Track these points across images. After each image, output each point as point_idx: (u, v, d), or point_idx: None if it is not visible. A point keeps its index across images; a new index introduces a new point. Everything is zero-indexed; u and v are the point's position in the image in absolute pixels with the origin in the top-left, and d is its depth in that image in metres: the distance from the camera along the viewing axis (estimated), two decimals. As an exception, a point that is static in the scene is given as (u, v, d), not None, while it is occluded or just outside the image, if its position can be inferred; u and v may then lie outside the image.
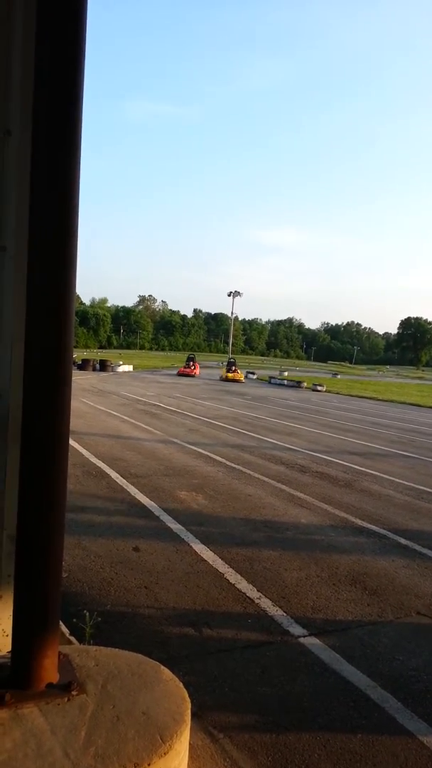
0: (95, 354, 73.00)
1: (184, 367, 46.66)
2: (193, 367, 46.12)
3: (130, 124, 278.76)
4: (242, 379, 43.17)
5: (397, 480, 9.78)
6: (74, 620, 3.57)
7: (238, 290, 78.44)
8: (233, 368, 44.55)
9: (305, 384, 43.24)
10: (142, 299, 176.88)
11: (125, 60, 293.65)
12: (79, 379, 32.07)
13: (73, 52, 2.32)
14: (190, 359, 48.16)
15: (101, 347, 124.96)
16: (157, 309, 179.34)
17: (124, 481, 8.10)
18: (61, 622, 3.54)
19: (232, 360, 48.15)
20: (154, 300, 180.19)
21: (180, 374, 44.45)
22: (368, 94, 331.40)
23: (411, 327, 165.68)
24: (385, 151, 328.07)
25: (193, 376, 44.47)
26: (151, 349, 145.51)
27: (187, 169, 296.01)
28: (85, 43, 2.34)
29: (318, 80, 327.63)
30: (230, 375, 42.97)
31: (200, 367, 50.30)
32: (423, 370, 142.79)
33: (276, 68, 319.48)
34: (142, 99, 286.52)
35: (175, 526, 6.24)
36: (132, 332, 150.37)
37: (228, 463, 10.07)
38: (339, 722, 3.06)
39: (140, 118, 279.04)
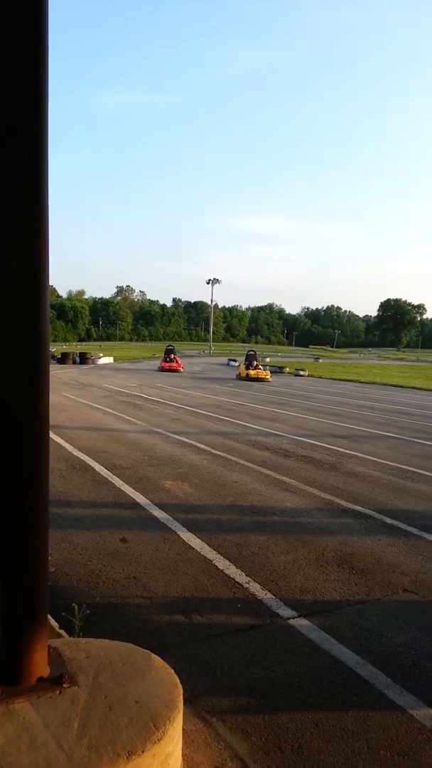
0: (75, 347, 72.42)
1: (166, 361, 38.59)
2: (174, 361, 38.31)
3: (105, 113, 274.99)
4: (269, 377, 31.96)
5: (381, 461, 9.88)
6: (63, 614, 3.56)
7: (217, 278, 78.07)
8: (254, 363, 33.35)
9: (287, 369, 43.41)
10: (120, 290, 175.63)
11: (98, 50, 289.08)
12: (59, 372, 31.82)
13: (36, 40, 2.27)
14: (169, 351, 40.03)
15: (80, 340, 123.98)
16: (136, 299, 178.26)
17: (109, 473, 8.08)
18: (49, 616, 3.53)
19: (252, 352, 35.63)
20: (133, 290, 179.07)
21: (163, 369, 36.96)
22: (345, 81, 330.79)
23: (391, 309, 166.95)
24: (361, 137, 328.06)
25: (178, 371, 36.68)
26: (131, 340, 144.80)
27: (165, 158, 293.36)
28: (47, 31, 2.28)
29: (296, 66, 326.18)
30: (252, 372, 31.78)
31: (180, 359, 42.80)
32: (404, 352, 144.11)
33: (254, 55, 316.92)
34: (118, 88, 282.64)
35: (161, 515, 6.24)
36: (111, 324, 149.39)
37: (213, 450, 10.09)
38: (330, 701, 3.10)
39: (115, 108, 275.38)
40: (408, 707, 3.07)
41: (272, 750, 2.71)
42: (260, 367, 33.52)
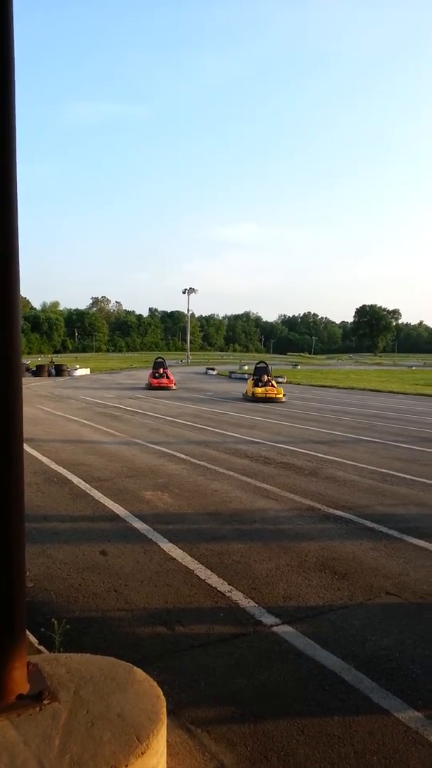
0: (50, 359, 71.77)
1: (155, 377, 31.22)
2: (165, 376, 31.23)
3: (77, 124, 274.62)
4: (282, 396, 23.60)
5: (360, 465, 9.94)
6: (42, 629, 3.50)
7: (192, 287, 78.29)
8: (266, 378, 24.82)
9: (265, 377, 43.52)
10: (96, 301, 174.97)
11: (73, 62, 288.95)
12: (34, 385, 31.51)
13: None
14: (158, 364, 32.48)
15: (56, 352, 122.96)
16: (112, 310, 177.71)
17: (87, 485, 7.99)
18: (28, 632, 3.47)
19: (262, 365, 26.87)
20: (108, 301, 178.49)
21: (152, 387, 30.05)
22: (316, 87, 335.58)
23: (366, 314, 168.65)
24: (332, 143, 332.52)
25: (169, 388, 30.03)
26: (107, 351, 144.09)
27: (138, 168, 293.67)
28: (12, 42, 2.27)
29: (266, 73, 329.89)
30: (259, 391, 23.65)
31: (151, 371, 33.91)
32: (380, 356, 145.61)
33: (226, 63, 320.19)
34: (90, 99, 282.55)
35: (141, 526, 6.18)
36: (87, 335, 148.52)
37: (192, 460, 10.05)
38: (315, 707, 3.09)
39: (87, 119, 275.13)
40: (393, 710, 3.07)
41: (258, 759, 2.68)
42: (273, 383, 24.93)
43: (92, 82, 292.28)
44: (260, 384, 24.28)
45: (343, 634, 3.91)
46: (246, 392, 25.14)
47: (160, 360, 33.41)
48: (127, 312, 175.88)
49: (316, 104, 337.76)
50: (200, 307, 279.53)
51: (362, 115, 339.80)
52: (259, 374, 25.37)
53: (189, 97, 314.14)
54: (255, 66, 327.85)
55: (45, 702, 2.43)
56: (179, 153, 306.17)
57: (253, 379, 25.30)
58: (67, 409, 18.61)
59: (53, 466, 9.24)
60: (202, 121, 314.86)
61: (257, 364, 27.53)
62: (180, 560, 5.21)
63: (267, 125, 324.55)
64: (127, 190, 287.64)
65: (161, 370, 31.60)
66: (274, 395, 23.58)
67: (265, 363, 27.26)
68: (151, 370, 32.64)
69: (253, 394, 23.76)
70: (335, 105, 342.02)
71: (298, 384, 38.35)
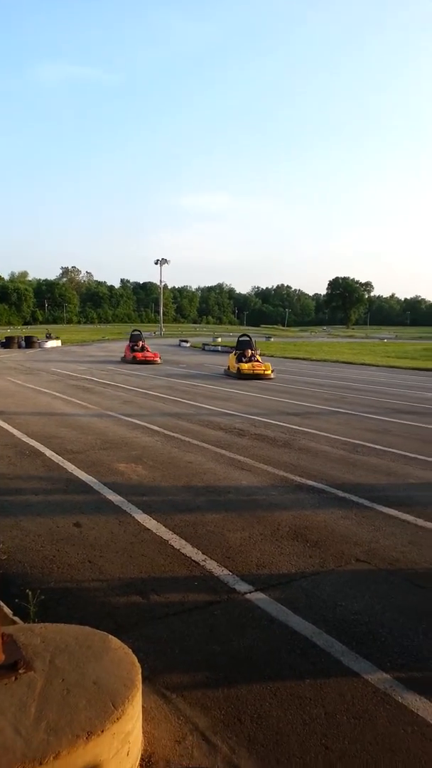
0: (20, 331, 70.53)
1: (134, 350, 28.95)
2: (146, 349, 29.25)
3: (45, 88, 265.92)
4: (270, 372, 21.25)
5: (333, 436, 10.07)
6: (17, 600, 3.49)
7: (165, 258, 77.29)
8: (249, 353, 22.44)
9: (239, 349, 43.57)
10: (66, 271, 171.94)
11: (37, 20, 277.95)
12: (4, 357, 31.04)
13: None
14: (135, 337, 30.53)
15: (26, 323, 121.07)
16: (82, 281, 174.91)
17: (60, 458, 7.94)
18: (3, 604, 3.47)
19: (245, 338, 24.21)
20: (78, 271, 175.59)
21: (136, 360, 27.72)
22: (286, 56, 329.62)
23: (339, 287, 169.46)
24: (305, 111, 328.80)
25: (154, 362, 27.87)
26: (79, 322, 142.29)
27: (109, 136, 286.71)
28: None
29: (237, 42, 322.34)
30: (245, 367, 21.16)
31: (124, 343, 33.03)
32: (353, 329, 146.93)
33: (197, 30, 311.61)
34: (58, 61, 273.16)
35: (116, 498, 6.19)
36: (58, 306, 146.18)
37: (166, 432, 10.05)
38: (287, 670, 3.16)
39: (56, 83, 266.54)
40: (363, 672, 3.16)
41: (232, 722, 2.74)
42: (258, 358, 22.47)
43: (58, 43, 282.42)
44: (244, 359, 21.80)
45: (314, 600, 4.00)
46: (228, 368, 22.45)
47: (137, 332, 31.61)
48: (99, 283, 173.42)
49: (289, 71, 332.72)
50: (173, 278, 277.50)
51: (335, 83, 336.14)
52: (242, 348, 22.58)
53: (157, 63, 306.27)
54: (225, 32, 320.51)
55: (20, 671, 2.44)
56: (149, 121, 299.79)
57: (235, 354, 22.54)
58: (38, 382, 18.40)
59: (25, 438, 9.15)
60: (172, 88, 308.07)
61: (240, 336, 24.41)
62: (154, 531, 5.25)
63: (238, 93, 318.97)
64: (97, 159, 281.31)
65: (140, 344, 29.60)
66: (262, 371, 21.12)
67: (249, 336, 24.33)
68: (128, 343, 30.48)
69: (238, 370, 21.10)
70: (308, 73, 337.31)
71: (272, 356, 38.46)
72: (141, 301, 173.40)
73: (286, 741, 2.62)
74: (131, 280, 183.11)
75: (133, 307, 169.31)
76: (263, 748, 2.58)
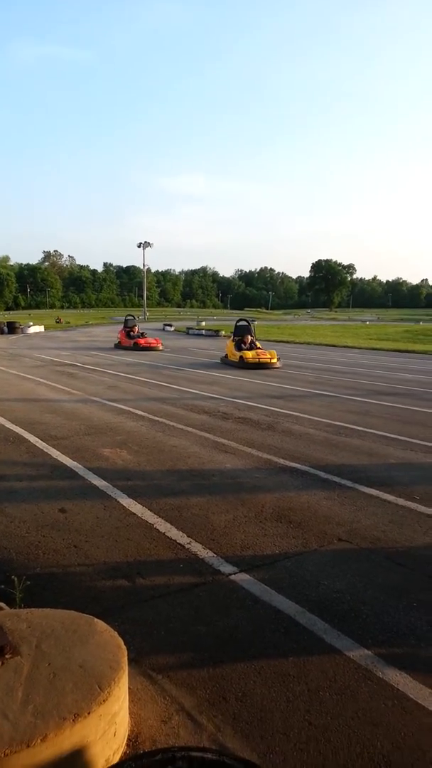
0: (2, 316, 69.72)
1: (129, 336, 27.66)
2: (142, 335, 27.91)
3: (22, 67, 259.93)
4: (276, 362, 19.04)
5: (316, 419, 10.15)
6: (3, 587, 3.51)
7: (148, 241, 76.75)
8: (249, 339, 20.07)
9: (223, 332, 43.51)
10: (48, 255, 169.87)
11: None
12: (-12, 343, 30.67)
13: None
14: (131, 322, 29.15)
15: (8, 309, 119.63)
16: (65, 265, 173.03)
17: (45, 444, 7.92)
18: (-12, 590, 3.48)
19: (243, 323, 21.26)
20: (61, 256, 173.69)
21: (137, 347, 26.30)
22: (265, 38, 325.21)
23: (322, 269, 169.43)
24: (286, 92, 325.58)
25: (156, 349, 26.60)
26: (62, 307, 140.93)
27: (88, 117, 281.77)
28: None
29: (219, 22, 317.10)
30: (250, 355, 19.02)
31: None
32: (336, 312, 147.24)
33: (177, 9, 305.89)
34: (34, 40, 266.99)
35: (101, 483, 6.20)
36: (40, 291, 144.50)
37: (151, 416, 10.06)
38: (272, 649, 3.22)
39: (34, 62, 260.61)
40: (345, 649, 3.23)
41: (217, 700, 2.80)
42: (259, 345, 20.28)
43: (32, 21, 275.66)
44: (243, 346, 19.70)
45: (298, 579, 4.06)
46: (227, 356, 20.35)
47: (131, 317, 30.51)
48: (81, 267, 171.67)
49: (269, 51, 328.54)
50: (156, 262, 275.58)
51: (315, 63, 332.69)
52: (241, 334, 20.31)
53: (141, 43, 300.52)
54: (204, 11, 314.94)
55: (7, 656, 2.46)
56: (129, 103, 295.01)
57: (233, 340, 20.32)
58: (21, 367, 18.26)
59: (8, 425, 9.10)
60: (151, 68, 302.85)
61: (237, 321, 21.73)
62: (140, 515, 5.28)
63: (216, 74, 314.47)
64: (79, 142, 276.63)
65: (136, 329, 28.55)
66: (268, 360, 18.93)
67: (247, 321, 21.93)
68: (122, 329, 29.17)
69: (241, 359, 18.99)
70: (288, 53, 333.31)
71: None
72: (124, 285, 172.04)
73: (270, 718, 2.68)
74: (114, 264, 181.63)
75: (116, 292, 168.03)
76: (248, 726, 2.64)
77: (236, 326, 21.07)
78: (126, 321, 29.84)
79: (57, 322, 47.59)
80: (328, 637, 3.35)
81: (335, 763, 2.42)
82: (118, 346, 28.12)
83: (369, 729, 2.62)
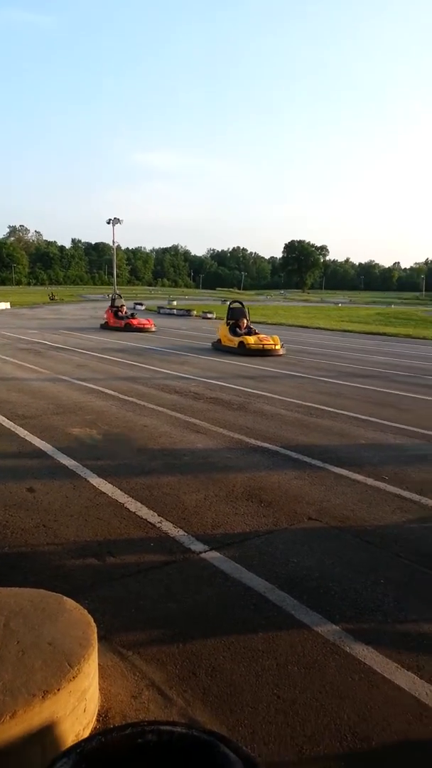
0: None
1: (119, 316, 26.09)
2: (129, 315, 26.29)
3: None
4: (279, 348, 17.39)
5: (287, 399, 10.21)
6: (-30, 566, 3.46)
7: (117, 217, 75.30)
8: (245, 323, 18.56)
9: (195, 312, 43.40)
10: (13, 230, 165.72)
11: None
12: None
13: None
14: (116, 304, 27.08)
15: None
16: (31, 240, 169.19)
17: (12, 423, 7.80)
18: None
19: (237, 305, 19.83)
20: (27, 231, 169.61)
21: (130, 328, 24.81)
22: (238, 13, 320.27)
23: (295, 250, 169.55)
24: (259, 69, 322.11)
25: (149, 330, 25.14)
26: (29, 284, 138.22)
27: (56, 87, 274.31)
28: None
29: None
30: (251, 341, 17.37)
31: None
32: (308, 293, 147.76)
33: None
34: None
35: (70, 462, 6.14)
36: (5, 267, 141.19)
37: (121, 396, 9.98)
38: (241, 625, 3.26)
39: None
40: (313, 625, 3.28)
41: (187, 676, 2.82)
42: (256, 330, 18.63)
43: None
44: (239, 330, 18.09)
45: (268, 557, 4.10)
46: (220, 340, 18.64)
47: (117, 295, 28.78)
48: (48, 243, 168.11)
49: (242, 27, 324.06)
50: (126, 239, 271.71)
51: (289, 41, 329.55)
52: (236, 317, 18.65)
53: (110, 10, 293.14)
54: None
55: (-26, 635, 2.43)
56: (95, 74, 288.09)
57: (227, 324, 18.67)
58: (-12, 345, 17.90)
59: (-24, 403, 8.93)
60: (118, 37, 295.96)
61: (230, 303, 20.05)
62: (110, 494, 5.25)
63: (190, 47, 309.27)
64: (44, 112, 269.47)
65: (124, 308, 26.70)
66: (272, 346, 17.32)
67: (241, 303, 20.09)
68: (109, 308, 27.23)
69: (241, 344, 17.31)
70: (261, 29, 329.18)
71: (227, 320, 38.44)
72: (93, 263, 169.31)
73: (240, 692, 2.72)
74: (83, 241, 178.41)
75: (85, 269, 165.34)
76: (217, 700, 2.66)
77: (230, 309, 19.48)
78: (113, 300, 28.01)
79: (51, 299, 46.95)
80: (297, 613, 3.40)
81: (302, 734, 2.47)
82: (105, 327, 26.34)
83: (336, 702, 2.67)
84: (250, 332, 18.15)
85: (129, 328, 24.96)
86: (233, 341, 17.89)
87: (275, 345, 17.43)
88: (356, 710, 2.62)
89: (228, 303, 20.20)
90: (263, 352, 17.14)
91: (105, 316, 27.56)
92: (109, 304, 28.12)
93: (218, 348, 18.52)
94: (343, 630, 3.24)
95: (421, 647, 3.10)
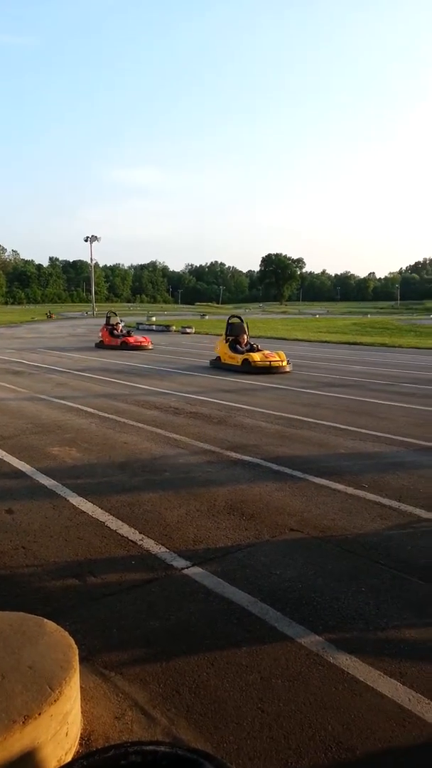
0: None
1: (114, 334, 25.29)
2: (129, 334, 25.47)
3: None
4: (285, 365, 16.50)
5: (267, 411, 10.25)
6: None
7: (95, 235, 75.68)
8: (245, 338, 17.78)
9: (174, 327, 43.43)
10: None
11: None
12: None
13: None
14: (111, 322, 26.32)
15: None
16: (8, 259, 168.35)
17: (-9, 443, 7.72)
18: None
19: (237, 320, 18.54)
20: (4, 250, 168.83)
21: (127, 347, 24.08)
22: (207, 24, 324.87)
23: (272, 263, 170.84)
24: (231, 79, 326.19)
25: (146, 348, 24.50)
26: (6, 303, 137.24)
27: (32, 106, 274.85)
28: None
29: (158, 8, 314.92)
30: (257, 357, 16.38)
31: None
32: (286, 305, 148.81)
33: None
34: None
35: (49, 482, 6.09)
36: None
37: (100, 413, 9.94)
38: (224, 640, 3.24)
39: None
40: (296, 636, 3.28)
41: (170, 694, 2.80)
42: (258, 346, 17.50)
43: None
44: (240, 347, 17.19)
45: (250, 570, 4.10)
46: (220, 358, 17.66)
47: (112, 313, 27.70)
48: (26, 261, 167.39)
49: (211, 41, 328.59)
50: (104, 256, 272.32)
51: (257, 54, 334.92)
52: (236, 333, 17.76)
53: (85, 26, 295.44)
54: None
55: None
56: (75, 94, 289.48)
57: (226, 341, 17.71)
58: (-35, 366, 17.70)
59: None
60: (95, 55, 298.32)
61: (229, 319, 18.79)
62: (90, 513, 5.21)
63: (166, 61, 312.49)
64: (21, 131, 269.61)
65: (119, 327, 25.97)
66: (279, 364, 16.40)
67: (240, 318, 18.87)
68: (104, 327, 26.58)
69: (246, 362, 16.36)
70: (231, 43, 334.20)
71: (206, 334, 38.57)
72: (72, 281, 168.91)
73: (224, 708, 2.70)
74: (61, 258, 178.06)
75: (63, 287, 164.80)
76: (201, 717, 2.65)
77: (229, 324, 18.24)
78: (107, 318, 27.02)
79: (48, 317, 48.00)
80: (280, 625, 3.40)
81: (287, 747, 2.46)
82: (101, 346, 25.55)
83: (320, 713, 2.67)
84: (252, 349, 17.19)
85: (125, 346, 24.20)
86: (235, 358, 16.93)
87: (282, 362, 16.54)
88: (340, 720, 2.62)
89: (227, 318, 19.06)
90: (269, 370, 16.21)
91: (100, 334, 26.84)
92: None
93: (218, 366, 17.55)
94: (326, 640, 3.24)
95: (402, 653, 3.12)
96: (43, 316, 70.08)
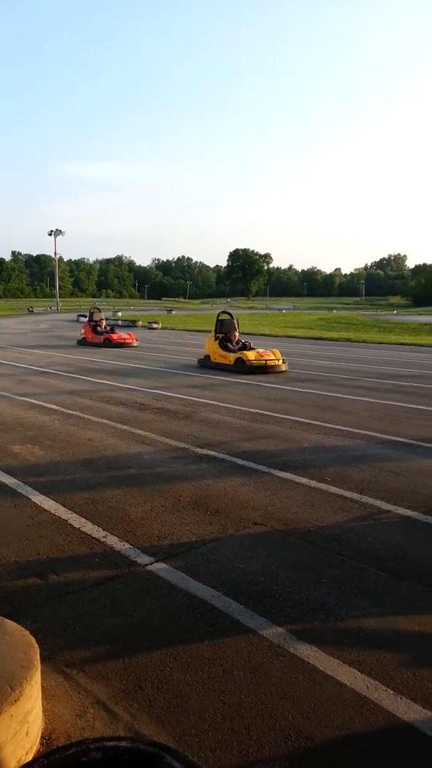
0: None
1: (97, 331, 24.43)
2: (113, 331, 24.30)
3: None
4: (281, 364, 15.67)
5: (233, 406, 10.30)
6: None
7: (59, 229, 74.61)
8: (236, 336, 16.91)
9: (140, 323, 43.17)
10: None
11: None
12: None
13: None
14: (95, 318, 25.32)
15: None
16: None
17: None
18: None
19: (226, 317, 17.51)
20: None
21: (110, 344, 23.14)
22: (181, 18, 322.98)
23: (239, 259, 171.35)
24: (196, 75, 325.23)
25: (131, 345, 23.57)
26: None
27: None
28: None
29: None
30: (251, 356, 15.45)
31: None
32: (253, 300, 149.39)
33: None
34: None
35: (10, 481, 6.01)
36: None
37: (64, 410, 9.83)
38: (187, 634, 3.26)
39: None
40: (258, 629, 3.32)
41: (133, 690, 2.80)
42: (250, 344, 16.54)
43: None
44: (231, 345, 16.30)
45: (214, 564, 4.13)
46: (210, 357, 16.71)
47: (96, 309, 26.95)
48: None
49: (176, 38, 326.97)
50: (68, 250, 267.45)
51: (221, 51, 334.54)
52: (226, 331, 16.75)
53: (47, 16, 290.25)
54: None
55: None
56: (38, 85, 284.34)
57: (215, 338, 16.76)
58: None
59: None
60: (55, 48, 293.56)
61: (219, 315, 17.66)
62: (53, 511, 5.16)
63: (130, 55, 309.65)
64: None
65: (103, 323, 25.10)
66: (274, 362, 15.59)
67: (230, 314, 17.84)
68: (87, 323, 25.53)
69: (239, 361, 15.53)
70: (197, 39, 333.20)
71: (173, 329, 38.52)
72: (35, 275, 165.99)
73: (186, 701, 2.72)
74: (23, 253, 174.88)
75: (26, 282, 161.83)
76: (164, 711, 2.66)
77: (218, 321, 17.10)
78: (91, 314, 26.06)
79: (29, 311, 48.49)
80: (243, 618, 3.44)
81: (248, 738, 2.50)
82: (83, 343, 24.68)
83: (281, 703, 2.72)
84: (245, 347, 16.16)
85: (109, 343, 23.31)
86: (227, 357, 16.03)
87: (277, 360, 15.66)
88: (300, 710, 2.67)
89: (217, 314, 18.17)
90: (265, 369, 15.35)
91: (83, 331, 25.79)
92: (102, 319, 25.75)
93: (207, 365, 16.59)
94: (288, 631, 3.29)
95: (361, 642, 3.20)
96: (6, 311, 68.89)
